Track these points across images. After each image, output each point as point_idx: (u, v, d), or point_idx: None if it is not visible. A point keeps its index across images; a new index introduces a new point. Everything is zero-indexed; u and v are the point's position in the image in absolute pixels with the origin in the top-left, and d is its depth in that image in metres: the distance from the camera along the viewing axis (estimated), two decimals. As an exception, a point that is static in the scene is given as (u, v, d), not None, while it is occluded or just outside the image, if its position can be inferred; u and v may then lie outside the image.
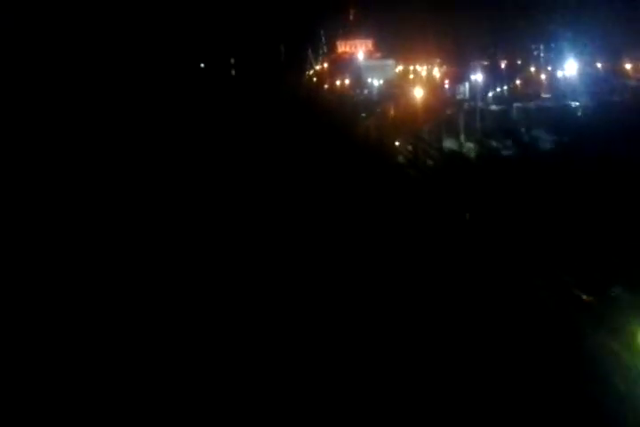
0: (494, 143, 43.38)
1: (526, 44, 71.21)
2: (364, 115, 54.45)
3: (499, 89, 63.49)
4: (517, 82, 67.12)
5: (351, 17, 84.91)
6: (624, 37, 57.88)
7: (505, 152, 41.09)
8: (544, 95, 59.53)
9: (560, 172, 32.27)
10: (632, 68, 66.45)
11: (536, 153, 39.38)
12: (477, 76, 59.61)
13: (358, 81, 74.00)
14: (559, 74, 66.55)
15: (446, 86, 64.74)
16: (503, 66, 71.05)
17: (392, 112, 53.09)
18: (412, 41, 67.36)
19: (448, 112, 53.62)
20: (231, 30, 56.87)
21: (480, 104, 54.12)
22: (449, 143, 45.30)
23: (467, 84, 60.19)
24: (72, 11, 43.66)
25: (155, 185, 30.15)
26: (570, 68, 65.66)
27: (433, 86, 64.15)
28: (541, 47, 71.10)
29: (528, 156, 38.75)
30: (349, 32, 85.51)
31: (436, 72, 74.66)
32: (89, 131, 34.96)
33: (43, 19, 42.20)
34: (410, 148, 44.53)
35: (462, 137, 45.90)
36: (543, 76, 68.74)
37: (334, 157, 35.10)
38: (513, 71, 69.54)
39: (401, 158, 42.96)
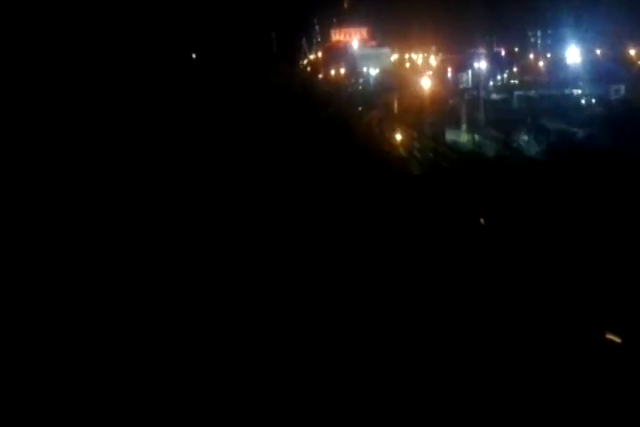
0: (508, 137, 41.33)
1: (525, 31, 69.83)
2: (360, 108, 53.16)
3: (499, 77, 62.25)
4: (516, 70, 65.52)
5: (345, 4, 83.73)
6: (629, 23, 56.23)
7: (525, 149, 39.12)
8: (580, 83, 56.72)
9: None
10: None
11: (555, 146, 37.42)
12: (481, 64, 58.22)
13: (353, 70, 72.88)
14: (567, 60, 64.77)
15: (449, 75, 63.28)
16: (503, 53, 69.61)
17: (393, 104, 51.54)
18: (407, 28, 67.03)
19: (451, 102, 52.10)
20: (222, 19, 56.27)
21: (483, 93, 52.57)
22: (460, 138, 43.11)
23: (469, 73, 58.92)
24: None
25: (145, 176, 30.01)
26: (572, 55, 63.88)
27: (431, 75, 62.82)
28: (539, 34, 69.55)
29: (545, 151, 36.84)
30: (343, 20, 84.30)
31: (432, 60, 73.48)
32: (82, 122, 35.47)
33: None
34: (415, 143, 42.59)
35: (468, 128, 43.90)
36: (551, 64, 66.93)
37: (332, 155, 33.93)
38: (515, 59, 68.00)
39: (405, 156, 40.95)
